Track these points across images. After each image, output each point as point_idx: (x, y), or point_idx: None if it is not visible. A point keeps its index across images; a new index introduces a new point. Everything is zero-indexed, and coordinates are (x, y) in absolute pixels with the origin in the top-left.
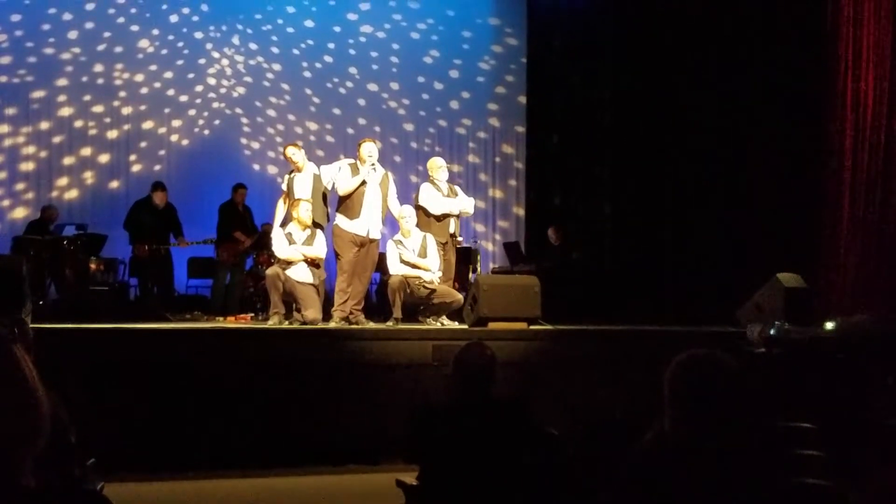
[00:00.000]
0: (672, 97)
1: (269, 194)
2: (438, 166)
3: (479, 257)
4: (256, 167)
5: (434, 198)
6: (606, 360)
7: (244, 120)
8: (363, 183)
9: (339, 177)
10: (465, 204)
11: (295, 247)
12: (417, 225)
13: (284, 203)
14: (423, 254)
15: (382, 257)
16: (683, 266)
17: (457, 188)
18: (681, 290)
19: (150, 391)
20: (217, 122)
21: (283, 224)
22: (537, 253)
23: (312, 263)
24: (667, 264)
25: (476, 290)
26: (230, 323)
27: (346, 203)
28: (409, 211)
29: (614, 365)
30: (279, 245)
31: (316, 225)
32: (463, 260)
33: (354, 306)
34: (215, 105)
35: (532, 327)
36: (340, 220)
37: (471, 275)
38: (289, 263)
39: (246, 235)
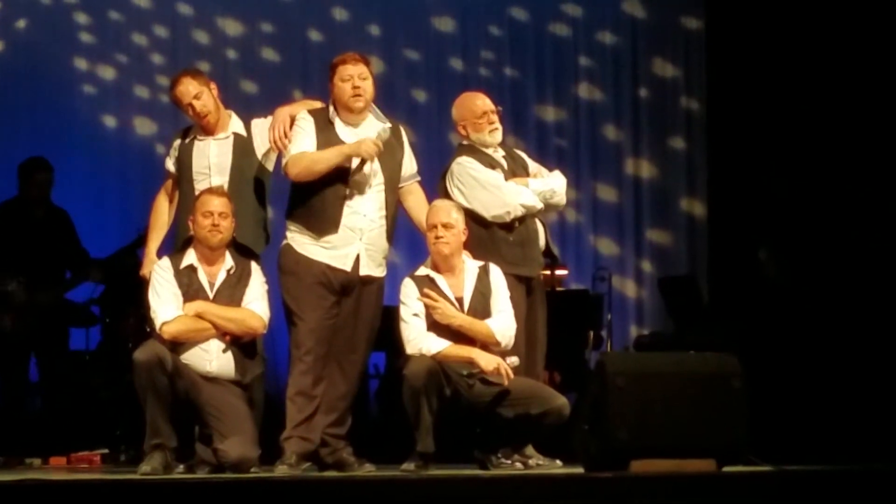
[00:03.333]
0: None
1: (138, 183)
2: (480, 112)
3: (606, 311)
4: (109, 123)
5: (488, 182)
6: None
7: (81, 18)
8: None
9: (293, 141)
10: (552, 184)
11: (198, 304)
12: (468, 244)
13: (171, 202)
14: (480, 308)
15: (391, 316)
16: None
17: (524, 157)
18: None
19: None
20: (22, 22)
21: (175, 249)
22: (738, 301)
23: (236, 339)
24: None
25: (602, 388)
26: (53, 470)
27: (310, 200)
28: (447, 212)
29: None
30: (163, 300)
31: (243, 252)
32: (571, 319)
33: (330, 429)
34: None
35: (728, 469)
36: (297, 238)
37: (589, 352)
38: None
39: (29, 289)
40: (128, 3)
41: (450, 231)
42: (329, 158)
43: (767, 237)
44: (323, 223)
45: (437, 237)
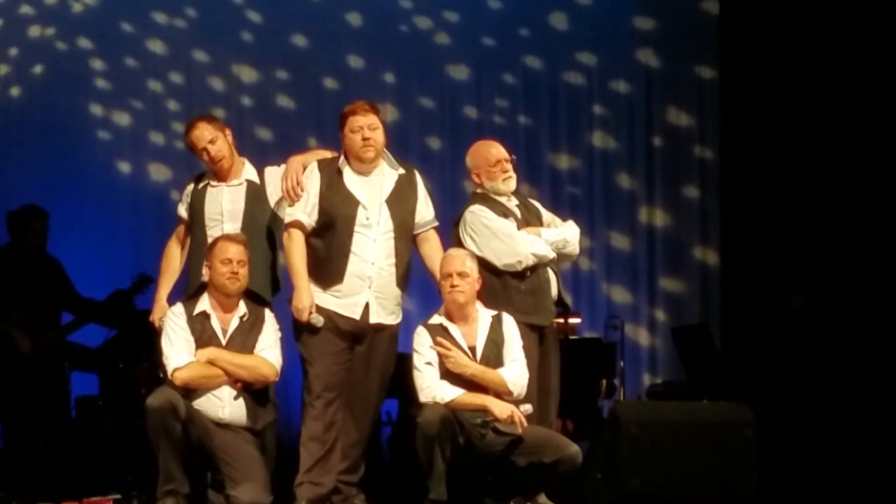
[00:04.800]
0: None
1: (152, 229)
2: (494, 160)
3: (619, 360)
4: (124, 169)
5: (500, 231)
6: None
7: (96, 65)
8: (355, 203)
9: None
10: (565, 234)
11: (210, 350)
12: (479, 292)
13: (182, 248)
14: (493, 357)
15: (404, 363)
16: None
17: (538, 206)
18: None
19: None
20: (39, 68)
21: (187, 295)
22: (750, 350)
23: (248, 386)
24: None
25: (615, 436)
26: None
27: (316, 250)
28: (462, 260)
29: None
30: (175, 347)
31: (255, 300)
32: (584, 368)
33: (343, 476)
34: (34, 33)
35: None
36: (310, 286)
37: (602, 400)
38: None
39: (28, 333)
40: (144, 50)
41: (465, 280)
42: (294, 275)
43: (801, 283)
44: (328, 273)
45: (452, 286)
